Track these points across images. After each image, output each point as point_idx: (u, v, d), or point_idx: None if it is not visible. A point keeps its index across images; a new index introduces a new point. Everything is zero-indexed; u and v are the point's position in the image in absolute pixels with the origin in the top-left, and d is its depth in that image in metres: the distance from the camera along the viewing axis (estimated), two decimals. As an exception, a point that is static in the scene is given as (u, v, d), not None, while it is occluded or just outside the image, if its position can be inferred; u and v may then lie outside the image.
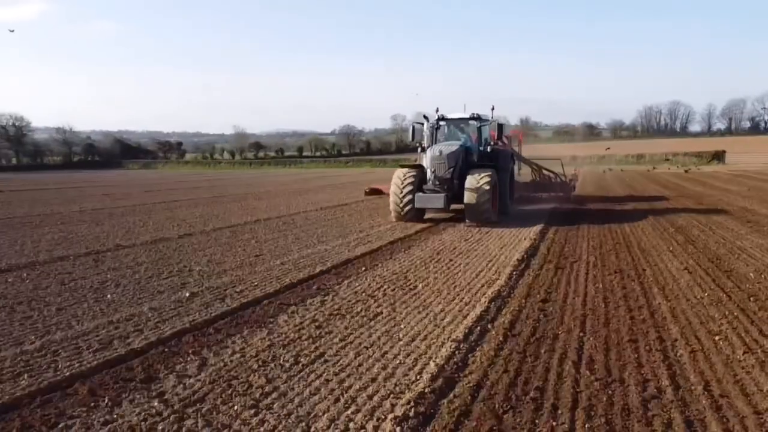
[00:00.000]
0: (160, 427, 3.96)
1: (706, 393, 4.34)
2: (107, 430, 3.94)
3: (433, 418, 4.03)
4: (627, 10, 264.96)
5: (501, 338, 5.61)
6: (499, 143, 17.64)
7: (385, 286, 7.76)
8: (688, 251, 9.92)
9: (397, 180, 15.06)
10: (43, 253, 10.57)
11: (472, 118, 16.17)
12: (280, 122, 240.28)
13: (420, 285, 7.85)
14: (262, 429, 3.90)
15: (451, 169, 14.66)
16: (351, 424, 3.93)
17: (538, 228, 12.96)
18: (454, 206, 15.15)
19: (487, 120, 16.30)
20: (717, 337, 5.53)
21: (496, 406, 4.18)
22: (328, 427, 3.90)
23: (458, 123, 16.74)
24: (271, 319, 6.37)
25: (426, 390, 4.38)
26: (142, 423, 4.02)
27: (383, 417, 4.02)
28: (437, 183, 14.71)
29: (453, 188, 14.69)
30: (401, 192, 14.80)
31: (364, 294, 7.42)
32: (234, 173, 61.41)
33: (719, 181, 28.86)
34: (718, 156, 56.15)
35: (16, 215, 17.73)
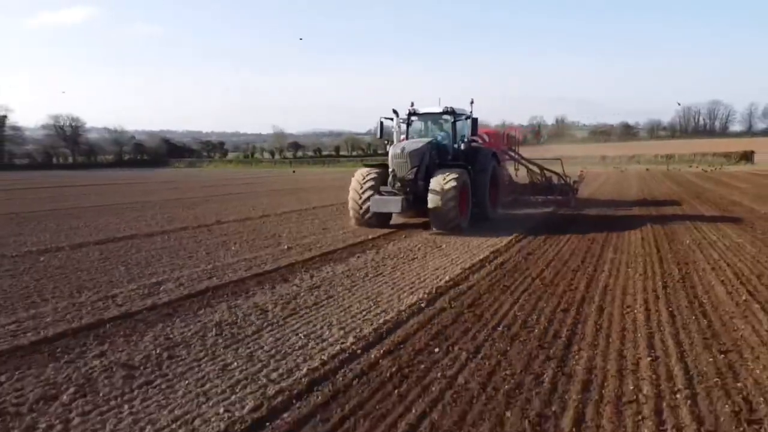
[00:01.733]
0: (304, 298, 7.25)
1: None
2: (280, 297, 7.26)
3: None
4: (667, 10, 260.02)
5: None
6: (479, 140, 16.54)
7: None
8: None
9: (358, 180, 13.85)
10: (177, 223, 14.72)
11: (446, 112, 14.80)
12: (315, 122, 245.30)
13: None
14: (375, 292, 7.38)
15: (415, 168, 13.31)
16: (404, 295, 7.22)
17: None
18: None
19: (463, 114, 15.04)
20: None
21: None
22: (390, 298, 7.15)
23: (432, 118, 15.43)
24: (345, 260, 9.78)
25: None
26: (292, 298, 7.32)
27: (421, 294, 7.24)
28: (397, 184, 13.29)
29: (417, 190, 13.25)
30: (360, 194, 13.58)
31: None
32: (276, 171, 65.29)
33: (736, 180, 30.90)
34: (747, 156, 57.05)
35: (135, 201, 21.85)
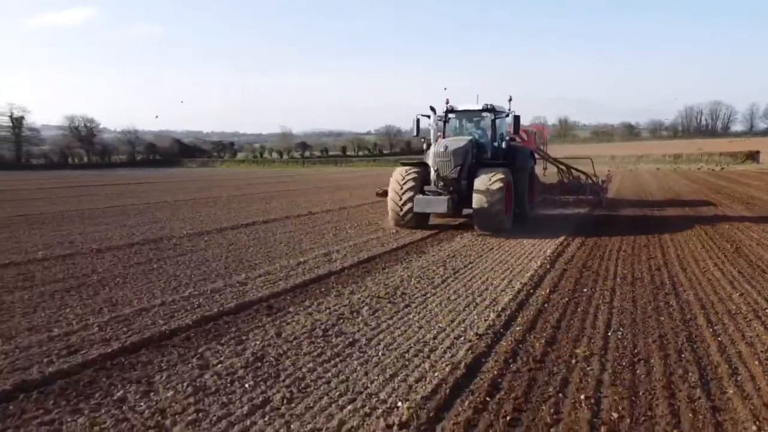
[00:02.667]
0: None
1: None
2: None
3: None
4: (668, 10, 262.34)
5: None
6: (517, 139, 16.31)
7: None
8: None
9: (397, 180, 13.51)
10: (275, 214, 16.54)
11: (486, 109, 14.41)
12: (315, 122, 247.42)
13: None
14: (504, 258, 9.34)
15: (458, 167, 13.00)
16: (528, 260, 9.31)
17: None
18: (467, 211, 13.67)
19: (503, 112, 14.63)
20: None
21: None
22: (520, 261, 9.22)
23: (470, 116, 15.11)
24: (451, 239, 11.90)
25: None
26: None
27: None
28: (441, 184, 13.00)
29: (460, 190, 13.07)
30: (401, 193, 13.24)
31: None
32: (292, 171, 66.92)
33: (746, 178, 33.28)
34: (752, 156, 59.23)
35: (206, 197, 23.95)
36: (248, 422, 3.93)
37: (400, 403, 4.12)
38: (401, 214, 13.26)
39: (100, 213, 17.54)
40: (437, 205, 12.69)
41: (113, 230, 13.31)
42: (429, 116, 14.73)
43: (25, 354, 5.13)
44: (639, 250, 10.41)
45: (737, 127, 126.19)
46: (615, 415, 4.05)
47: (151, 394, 4.40)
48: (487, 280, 7.99)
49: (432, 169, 13.25)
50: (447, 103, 14.92)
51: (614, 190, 25.65)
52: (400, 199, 13.23)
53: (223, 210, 18.12)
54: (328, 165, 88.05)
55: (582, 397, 4.31)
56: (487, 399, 4.26)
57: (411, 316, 6.28)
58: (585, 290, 7.52)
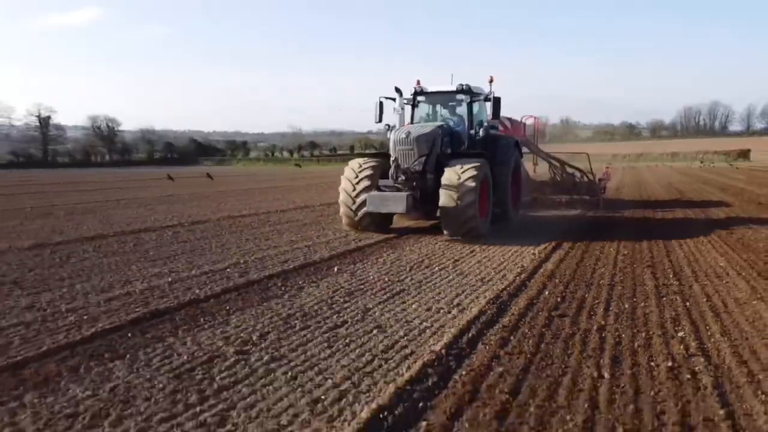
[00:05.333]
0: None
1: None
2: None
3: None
4: (668, 11, 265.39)
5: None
6: (499, 127, 14.22)
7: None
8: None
9: (349, 174, 11.52)
10: (263, 207, 17.68)
11: (461, 91, 12.32)
12: (316, 122, 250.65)
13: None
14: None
15: (423, 157, 11.05)
16: (531, 248, 9.92)
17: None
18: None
19: (480, 94, 12.55)
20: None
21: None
22: (525, 246, 9.93)
23: (442, 99, 13.03)
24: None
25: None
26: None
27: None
28: (401, 177, 10.99)
29: (425, 186, 11.08)
30: (353, 190, 11.31)
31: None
32: (310, 168, 69.86)
33: (733, 173, 37.10)
34: (743, 154, 63.57)
35: (271, 187, 25.73)
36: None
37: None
38: (354, 214, 11.31)
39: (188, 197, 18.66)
40: (394, 203, 10.59)
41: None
42: (395, 99, 12.67)
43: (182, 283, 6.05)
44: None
45: (735, 126, 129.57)
46: None
47: (251, 319, 5.65)
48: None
49: (391, 159, 11.21)
50: (417, 83, 12.82)
51: (613, 188, 24.25)
52: (353, 199, 11.29)
53: (286, 196, 18.75)
54: (341, 163, 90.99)
55: None
56: None
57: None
58: (587, 276, 7.32)
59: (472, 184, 10.31)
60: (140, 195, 23.87)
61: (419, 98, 12.93)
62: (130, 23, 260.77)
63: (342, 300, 6.56)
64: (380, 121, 12.61)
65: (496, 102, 11.90)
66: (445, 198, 10.40)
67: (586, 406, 3.81)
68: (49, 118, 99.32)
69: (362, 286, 7.22)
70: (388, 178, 11.27)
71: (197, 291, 6.92)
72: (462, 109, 12.81)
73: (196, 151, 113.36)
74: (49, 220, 14.49)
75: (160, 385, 4.18)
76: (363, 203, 11.03)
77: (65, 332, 5.34)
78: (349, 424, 3.54)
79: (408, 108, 12.98)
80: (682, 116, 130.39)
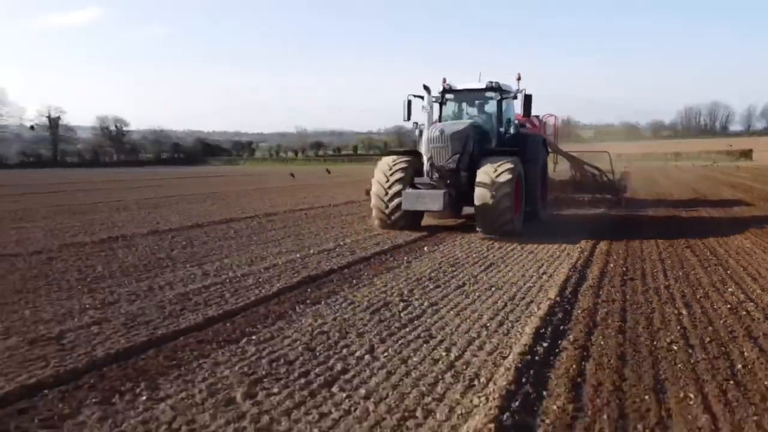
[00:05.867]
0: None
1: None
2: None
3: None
4: (668, 11, 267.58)
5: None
6: (527, 125, 14.18)
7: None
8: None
9: (382, 171, 11.60)
10: (290, 204, 19.20)
11: (490, 88, 12.43)
12: (316, 122, 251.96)
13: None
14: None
15: (457, 155, 11.13)
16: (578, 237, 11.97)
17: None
18: (467, 209, 12.22)
19: (510, 92, 12.57)
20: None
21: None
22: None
23: (471, 96, 13.11)
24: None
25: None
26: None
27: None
28: (435, 175, 11.13)
29: (459, 183, 11.22)
30: (386, 187, 11.38)
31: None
32: (321, 167, 71.28)
33: (736, 171, 38.87)
34: (745, 154, 65.40)
35: (262, 188, 27.53)
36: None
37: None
38: (387, 212, 11.41)
39: (206, 197, 20.25)
40: (431, 201, 10.77)
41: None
42: (422, 97, 12.59)
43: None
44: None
45: (735, 126, 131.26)
46: None
47: (391, 281, 6.66)
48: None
49: (425, 158, 11.40)
50: (444, 82, 12.89)
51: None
52: (386, 195, 11.36)
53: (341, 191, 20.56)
54: (350, 163, 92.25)
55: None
56: None
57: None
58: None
59: (507, 181, 10.48)
60: (189, 192, 25.46)
61: (447, 96, 13.10)
62: (130, 23, 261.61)
63: (450, 270, 8.17)
64: (409, 119, 12.84)
65: (528, 99, 12.07)
66: (480, 196, 10.54)
67: (677, 328, 5.45)
68: (58, 118, 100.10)
69: (457, 261, 8.76)
70: (419, 176, 11.55)
71: (327, 264, 8.44)
72: (490, 107, 13.01)
73: (203, 151, 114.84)
74: (129, 213, 16.10)
75: (365, 318, 5.79)
76: (395, 201, 11.26)
77: (255, 289, 6.94)
78: (521, 337, 5.16)
79: (436, 106, 13.03)
80: (683, 116, 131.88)
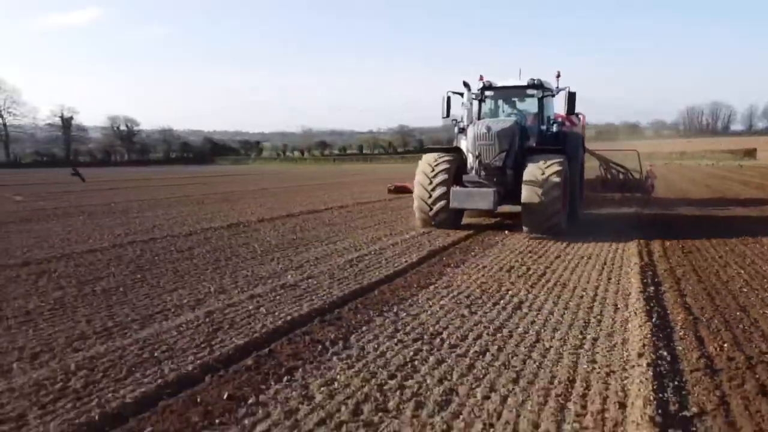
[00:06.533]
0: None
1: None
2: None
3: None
4: (668, 11, 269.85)
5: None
6: (567, 124, 14.12)
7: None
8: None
9: (425, 170, 11.51)
10: (351, 198, 20.48)
11: (532, 86, 12.36)
12: (316, 122, 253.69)
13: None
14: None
15: (504, 153, 11.08)
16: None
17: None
18: (502, 207, 11.86)
19: (552, 90, 12.62)
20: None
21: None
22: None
23: (510, 93, 13.06)
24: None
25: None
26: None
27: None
28: (483, 173, 11.11)
29: (505, 181, 11.20)
30: (430, 186, 11.28)
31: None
32: (331, 167, 72.78)
33: (741, 170, 40.67)
34: (749, 153, 67.30)
35: (289, 187, 29.27)
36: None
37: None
38: (431, 212, 11.32)
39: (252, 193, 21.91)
40: (481, 199, 10.72)
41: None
42: (462, 94, 12.57)
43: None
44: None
45: (737, 126, 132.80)
46: None
47: (493, 256, 8.39)
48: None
49: (471, 155, 11.34)
50: (481, 79, 12.70)
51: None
52: (430, 194, 11.26)
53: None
54: (358, 162, 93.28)
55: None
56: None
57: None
58: (703, 264, 10.10)
59: (556, 179, 10.41)
60: (230, 189, 27.30)
61: (486, 93, 12.92)
62: (130, 23, 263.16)
63: (537, 248, 9.99)
64: (447, 116, 12.81)
65: (572, 97, 11.86)
66: (528, 194, 10.46)
67: (741, 280, 7.42)
68: (71, 118, 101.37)
69: (536, 250, 9.70)
70: (466, 174, 11.57)
71: (419, 251, 9.31)
72: (528, 104, 13.02)
73: (211, 150, 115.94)
74: (197, 207, 17.77)
75: (503, 275, 7.76)
76: (439, 199, 11.21)
77: (400, 258, 8.86)
78: (631, 283, 7.18)
79: (475, 103, 13.03)
80: (684, 116, 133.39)
